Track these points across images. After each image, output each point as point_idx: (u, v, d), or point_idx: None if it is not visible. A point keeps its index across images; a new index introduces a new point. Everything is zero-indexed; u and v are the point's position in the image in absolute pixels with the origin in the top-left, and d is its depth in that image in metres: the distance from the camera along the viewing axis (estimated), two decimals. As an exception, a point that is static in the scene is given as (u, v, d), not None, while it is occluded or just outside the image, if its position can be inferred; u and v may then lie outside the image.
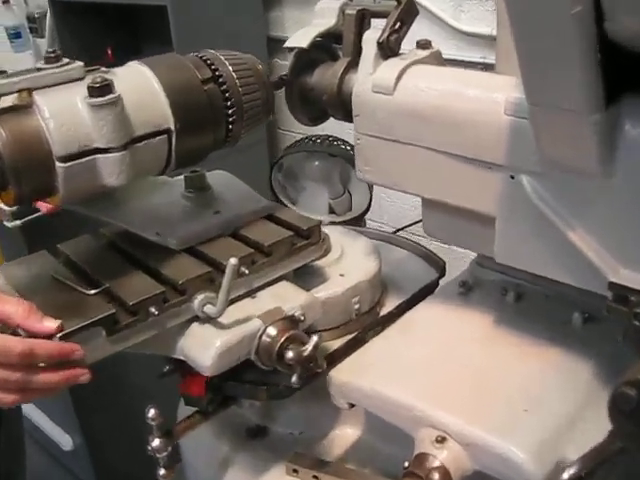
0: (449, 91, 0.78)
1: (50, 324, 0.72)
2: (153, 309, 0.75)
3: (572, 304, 0.86)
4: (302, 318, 0.80)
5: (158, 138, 0.77)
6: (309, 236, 0.88)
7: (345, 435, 0.97)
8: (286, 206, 1.25)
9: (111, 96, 0.71)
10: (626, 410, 0.51)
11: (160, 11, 1.72)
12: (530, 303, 0.91)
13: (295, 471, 0.92)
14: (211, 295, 0.77)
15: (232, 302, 0.79)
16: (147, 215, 0.89)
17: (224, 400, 0.88)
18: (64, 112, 0.71)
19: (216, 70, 0.82)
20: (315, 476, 0.90)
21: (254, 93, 0.84)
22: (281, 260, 0.85)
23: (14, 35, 2.63)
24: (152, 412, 0.82)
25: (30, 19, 2.52)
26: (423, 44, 0.85)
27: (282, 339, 0.76)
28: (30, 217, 1.57)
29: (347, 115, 0.87)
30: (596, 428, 0.64)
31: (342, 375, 0.82)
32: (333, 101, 0.89)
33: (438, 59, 0.85)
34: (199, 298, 0.77)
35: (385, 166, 0.86)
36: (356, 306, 0.93)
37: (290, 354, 0.75)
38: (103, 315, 0.73)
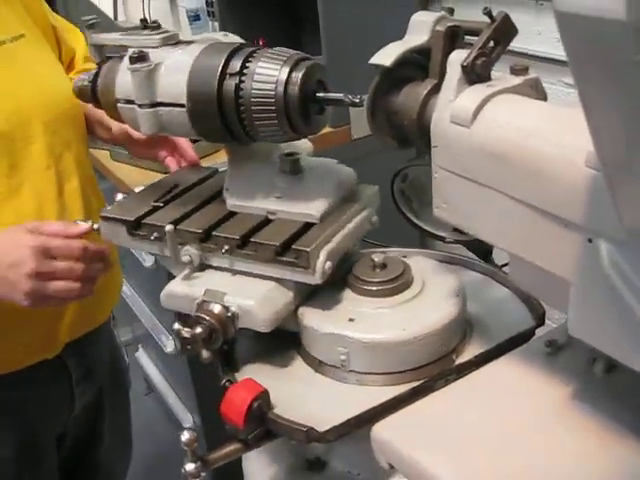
0: (530, 130, 0.66)
1: (84, 224, 1.03)
2: (156, 234, 0.95)
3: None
4: (229, 316, 0.85)
5: (177, 109, 0.92)
6: (297, 257, 0.85)
7: (403, 485, 0.89)
8: (408, 218, 1.17)
9: (139, 65, 0.91)
10: None
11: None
12: (622, 378, 0.77)
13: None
14: (193, 251, 0.91)
15: (219, 269, 0.93)
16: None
17: (267, 433, 0.83)
18: (124, 69, 0.94)
19: (244, 68, 0.87)
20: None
21: (267, 99, 0.86)
22: (265, 262, 0.88)
23: (194, 17, 2.73)
24: (186, 436, 0.80)
25: (208, 3, 2.60)
26: (518, 69, 0.74)
27: (201, 315, 0.84)
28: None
29: (428, 145, 0.78)
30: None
31: (384, 432, 0.75)
32: (413, 127, 0.80)
33: (534, 88, 0.74)
34: (185, 247, 0.92)
35: (461, 206, 0.76)
36: (423, 353, 0.84)
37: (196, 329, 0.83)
38: (125, 218, 0.98)
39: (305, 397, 0.85)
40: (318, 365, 0.88)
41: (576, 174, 0.61)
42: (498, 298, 1.00)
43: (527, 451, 0.70)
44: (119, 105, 0.97)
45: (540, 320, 0.93)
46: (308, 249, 0.84)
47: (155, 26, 0.99)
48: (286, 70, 0.85)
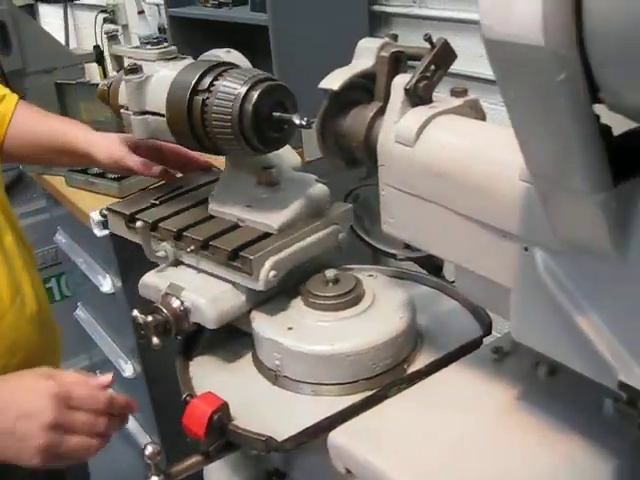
0: (468, 149, 0.71)
1: (108, 375, 0.92)
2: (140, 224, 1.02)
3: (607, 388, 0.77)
4: (182, 310, 0.92)
5: (161, 118, 1.00)
6: (243, 263, 0.91)
7: (362, 494, 0.92)
8: (360, 237, 1.21)
9: (132, 76, 1.01)
10: None
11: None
12: (563, 381, 0.82)
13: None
14: (169, 247, 1.00)
15: (190, 267, 1.00)
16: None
17: (227, 445, 0.86)
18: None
19: (212, 85, 0.94)
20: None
21: (224, 115, 0.91)
22: (220, 265, 0.94)
23: (146, 44, 2.75)
24: (150, 450, 0.82)
25: (160, 30, 2.64)
26: (458, 92, 0.79)
27: (159, 306, 0.93)
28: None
29: (375, 164, 0.82)
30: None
31: (340, 438, 0.78)
32: (361, 148, 0.84)
33: (474, 109, 0.79)
34: (162, 244, 1.01)
35: (408, 221, 0.80)
36: (373, 363, 0.88)
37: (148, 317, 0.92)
38: (123, 212, 1.07)
39: (263, 409, 0.88)
40: (275, 379, 0.91)
41: (511, 188, 0.66)
42: (447, 310, 1.04)
43: (476, 451, 0.74)
44: (121, 111, 1.08)
45: (487, 329, 0.98)
46: (252, 257, 0.89)
47: (158, 41, 1.09)
48: (245, 88, 0.90)
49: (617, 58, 0.45)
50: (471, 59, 1.66)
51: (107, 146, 1.16)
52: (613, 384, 0.61)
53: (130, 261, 1.55)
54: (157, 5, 2.73)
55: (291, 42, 1.80)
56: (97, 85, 1.17)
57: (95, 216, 1.60)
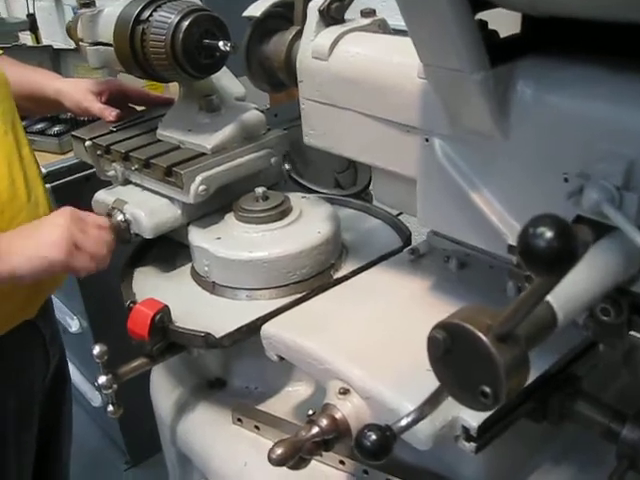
0: (375, 57, 0.80)
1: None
2: (99, 152, 1.13)
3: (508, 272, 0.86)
4: (124, 221, 1.02)
5: (110, 48, 1.08)
6: (176, 178, 1.00)
7: (296, 392, 1.01)
8: (293, 178, 1.29)
9: (85, 10, 1.11)
10: (437, 354, 0.52)
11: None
12: (473, 272, 0.92)
13: (239, 420, 0.97)
14: (118, 167, 1.09)
15: (137, 185, 1.09)
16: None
17: (170, 346, 0.93)
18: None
19: (151, 16, 1.01)
20: (256, 426, 0.95)
21: (159, 42, 0.99)
22: (158, 180, 1.03)
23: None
24: (97, 350, 0.88)
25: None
26: (367, 12, 0.87)
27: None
28: (60, 181, 1.67)
29: (296, 82, 0.90)
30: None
31: (272, 328, 0.86)
32: (283, 68, 0.92)
33: (382, 27, 0.87)
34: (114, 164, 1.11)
35: (325, 130, 0.89)
36: (304, 269, 0.96)
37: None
38: (83, 137, 1.17)
39: (202, 314, 0.95)
40: (212, 287, 0.99)
41: (411, 85, 0.75)
42: (371, 227, 1.14)
43: (391, 329, 0.83)
44: (80, 43, 1.16)
45: (407, 240, 1.07)
46: (183, 172, 0.97)
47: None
48: (177, 18, 0.98)
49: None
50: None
51: (74, 93, 1.25)
52: (504, 250, 0.71)
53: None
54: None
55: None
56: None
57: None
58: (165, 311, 0.90)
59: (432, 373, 0.73)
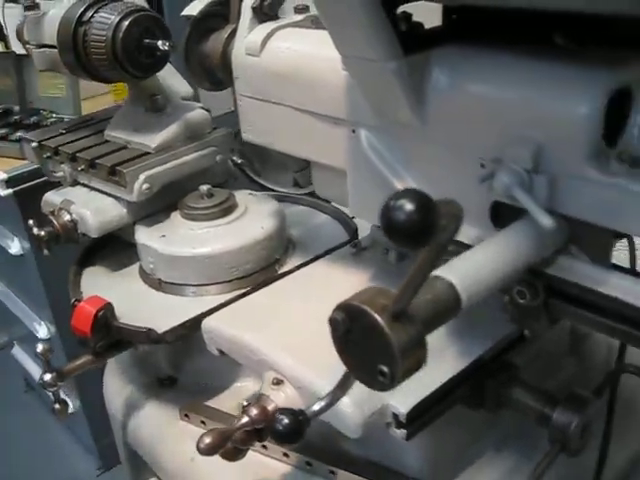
0: (304, 51, 0.81)
1: None
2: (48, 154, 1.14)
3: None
4: (71, 221, 1.03)
5: (54, 50, 1.07)
6: (120, 177, 1.01)
7: (245, 387, 1.02)
8: (250, 177, 1.30)
9: (30, 12, 1.11)
10: (339, 335, 0.53)
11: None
12: (412, 263, 0.92)
13: (186, 416, 0.97)
14: (67, 168, 1.10)
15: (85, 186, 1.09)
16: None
17: (115, 344, 0.94)
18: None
19: (92, 18, 1.01)
20: (203, 421, 0.96)
21: (99, 43, 0.99)
22: (103, 179, 1.04)
23: None
24: (40, 348, 0.89)
25: None
26: (300, 9, 0.89)
27: (51, 218, 1.04)
28: (23, 186, 1.67)
29: (232, 78, 0.91)
30: (426, 377, 0.66)
31: (212, 322, 0.87)
32: (220, 66, 0.93)
33: (315, 23, 0.88)
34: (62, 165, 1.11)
35: (261, 126, 0.90)
36: (247, 264, 0.97)
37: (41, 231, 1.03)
38: (32, 139, 1.16)
39: (147, 311, 0.96)
40: (159, 285, 0.99)
41: (337, 78, 0.76)
42: (319, 223, 1.15)
43: (323, 319, 0.83)
44: (27, 45, 1.16)
45: (354, 235, 1.08)
46: (126, 171, 0.98)
47: None
48: (117, 18, 0.98)
49: None
50: None
51: None
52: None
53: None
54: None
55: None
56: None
57: (-1, 175, 1.64)
58: (108, 308, 0.91)
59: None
